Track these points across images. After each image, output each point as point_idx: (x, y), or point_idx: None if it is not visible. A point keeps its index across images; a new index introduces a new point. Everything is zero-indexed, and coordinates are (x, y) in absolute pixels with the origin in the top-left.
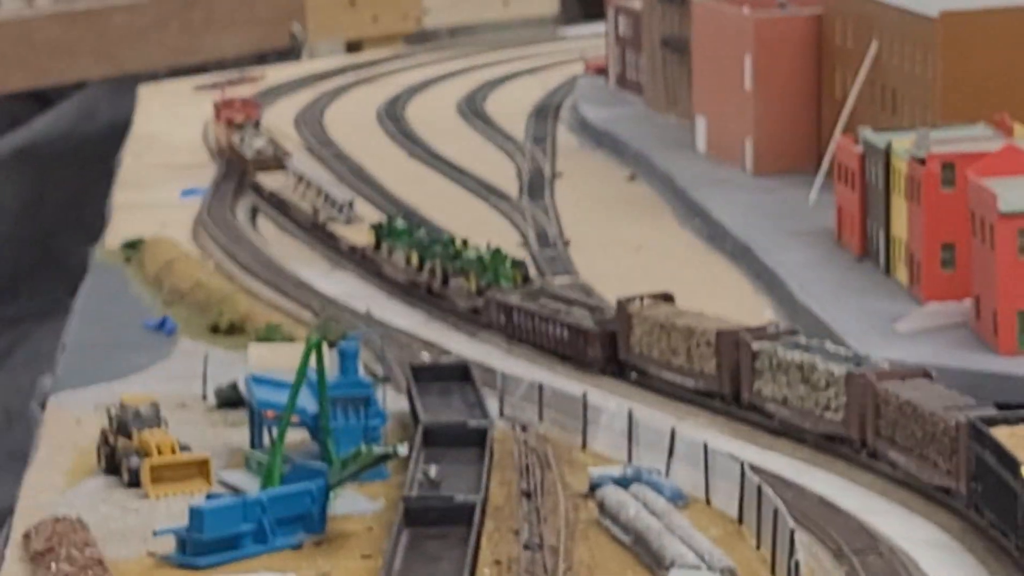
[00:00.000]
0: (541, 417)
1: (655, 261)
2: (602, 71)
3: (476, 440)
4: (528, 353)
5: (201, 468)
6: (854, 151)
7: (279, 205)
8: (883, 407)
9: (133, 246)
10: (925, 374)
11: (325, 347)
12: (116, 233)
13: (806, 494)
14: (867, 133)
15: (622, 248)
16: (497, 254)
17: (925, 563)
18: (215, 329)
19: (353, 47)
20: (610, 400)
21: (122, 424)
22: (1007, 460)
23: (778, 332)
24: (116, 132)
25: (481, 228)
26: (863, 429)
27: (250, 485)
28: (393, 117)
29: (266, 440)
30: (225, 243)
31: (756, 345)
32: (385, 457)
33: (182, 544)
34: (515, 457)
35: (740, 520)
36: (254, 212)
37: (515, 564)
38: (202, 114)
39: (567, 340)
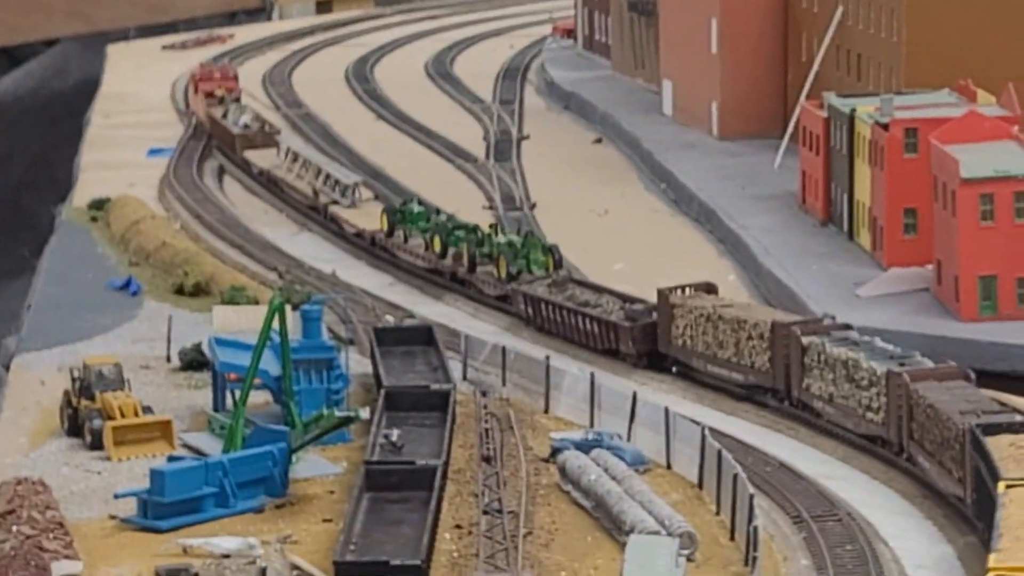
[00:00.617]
0: (504, 381)
1: (621, 224)
2: (570, 33)
3: (439, 404)
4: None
5: (164, 430)
6: (818, 115)
7: (271, 184)
8: (915, 409)
9: (100, 206)
10: (964, 376)
11: (288, 309)
12: (84, 192)
13: (768, 459)
14: (832, 98)
15: (588, 211)
16: (528, 239)
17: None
18: (180, 291)
19: (324, 7)
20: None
21: (85, 386)
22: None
23: (831, 325)
24: (86, 90)
25: (447, 190)
26: (900, 431)
27: (212, 448)
28: (361, 78)
29: (229, 403)
30: (191, 204)
31: (806, 339)
32: (347, 420)
33: (144, 506)
34: (476, 421)
35: (700, 485)
36: (220, 172)
37: (476, 528)
38: (170, 73)
39: (598, 333)
